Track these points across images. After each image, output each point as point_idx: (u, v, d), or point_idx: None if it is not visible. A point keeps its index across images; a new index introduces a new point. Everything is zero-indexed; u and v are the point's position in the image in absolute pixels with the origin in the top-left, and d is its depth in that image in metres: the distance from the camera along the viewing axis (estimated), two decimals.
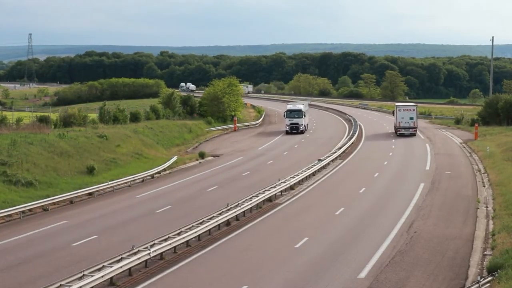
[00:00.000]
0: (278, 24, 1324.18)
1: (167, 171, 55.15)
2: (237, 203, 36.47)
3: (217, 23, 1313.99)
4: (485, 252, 29.39)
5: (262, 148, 71.96)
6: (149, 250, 27.06)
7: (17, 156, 45.89)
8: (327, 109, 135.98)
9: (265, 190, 40.85)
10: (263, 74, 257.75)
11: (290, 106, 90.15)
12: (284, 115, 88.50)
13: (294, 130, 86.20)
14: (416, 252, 29.24)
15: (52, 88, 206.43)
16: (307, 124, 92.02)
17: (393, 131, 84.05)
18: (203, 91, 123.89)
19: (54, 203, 40.02)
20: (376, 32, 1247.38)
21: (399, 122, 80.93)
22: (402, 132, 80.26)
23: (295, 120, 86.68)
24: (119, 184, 47.15)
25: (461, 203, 40.24)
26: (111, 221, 36.51)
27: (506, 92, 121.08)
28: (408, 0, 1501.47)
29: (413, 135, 79.91)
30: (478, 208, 38.68)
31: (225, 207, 35.11)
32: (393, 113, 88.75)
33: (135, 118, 77.33)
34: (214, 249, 30.30)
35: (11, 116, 71.60)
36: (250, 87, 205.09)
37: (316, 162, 53.98)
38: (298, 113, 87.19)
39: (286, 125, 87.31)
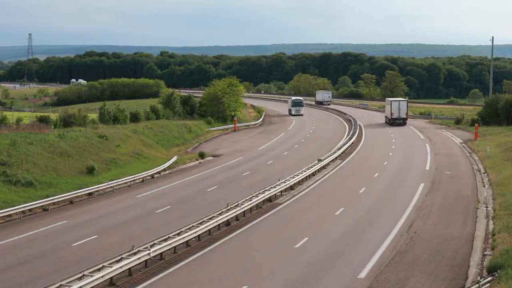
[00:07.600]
0: (278, 24, 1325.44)
1: (167, 171, 55.13)
2: (237, 203, 36.47)
3: (217, 23, 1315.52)
4: (485, 252, 29.40)
5: (262, 148, 71.92)
6: (149, 250, 27.06)
7: (17, 156, 45.86)
8: (327, 109, 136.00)
9: (265, 190, 40.83)
10: (263, 74, 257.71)
11: None
12: None
13: None
14: (416, 252, 29.23)
15: (52, 88, 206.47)
16: None
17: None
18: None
19: (54, 203, 39.98)
20: (376, 32, 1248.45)
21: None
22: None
23: None
24: (119, 184, 47.13)
25: (461, 203, 40.25)
26: (111, 221, 36.50)
27: (506, 92, 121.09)
28: (408, 0, 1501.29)
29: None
30: (478, 208, 38.68)
31: (225, 207, 35.10)
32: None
33: (135, 118, 77.30)
34: (214, 249, 30.30)
35: (11, 116, 71.50)
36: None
37: (316, 162, 53.97)
38: None
39: None
